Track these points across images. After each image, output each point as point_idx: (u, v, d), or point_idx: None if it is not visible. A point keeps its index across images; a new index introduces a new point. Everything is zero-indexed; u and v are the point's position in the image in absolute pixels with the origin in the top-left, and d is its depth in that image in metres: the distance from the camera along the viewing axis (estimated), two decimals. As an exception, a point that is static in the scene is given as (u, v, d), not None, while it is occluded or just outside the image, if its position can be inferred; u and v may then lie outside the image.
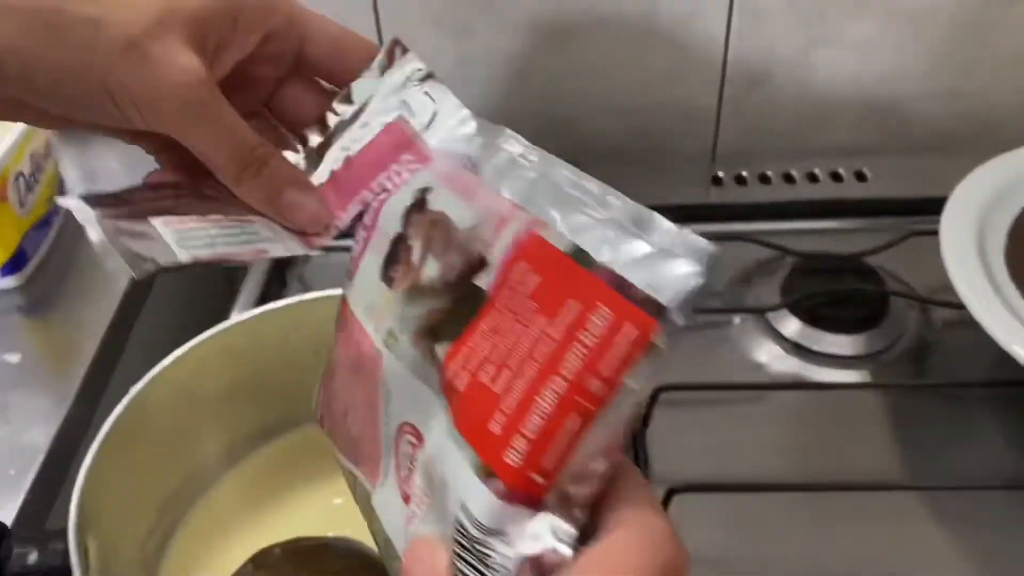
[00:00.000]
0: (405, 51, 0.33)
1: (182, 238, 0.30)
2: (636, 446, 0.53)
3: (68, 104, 0.30)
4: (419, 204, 0.29)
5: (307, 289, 0.67)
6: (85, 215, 0.29)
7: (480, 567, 0.24)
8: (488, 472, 0.24)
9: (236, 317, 0.45)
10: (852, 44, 0.72)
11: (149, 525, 0.43)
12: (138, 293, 0.64)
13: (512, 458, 0.23)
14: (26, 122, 0.32)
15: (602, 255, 0.24)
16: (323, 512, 0.44)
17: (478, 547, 0.24)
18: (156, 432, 0.42)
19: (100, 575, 0.37)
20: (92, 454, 0.38)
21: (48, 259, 0.63)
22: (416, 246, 0.28)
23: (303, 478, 0.45)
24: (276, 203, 0.31)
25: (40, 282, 0.62)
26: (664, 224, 0.25)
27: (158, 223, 0.30)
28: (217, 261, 0.30)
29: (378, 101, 0.33)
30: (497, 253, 0.26)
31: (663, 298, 0.23)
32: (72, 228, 0.66)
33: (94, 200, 0.31)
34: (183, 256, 0.29)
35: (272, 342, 0.45)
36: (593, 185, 0.27)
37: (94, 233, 0.29)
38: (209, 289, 0.79)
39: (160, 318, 0.67)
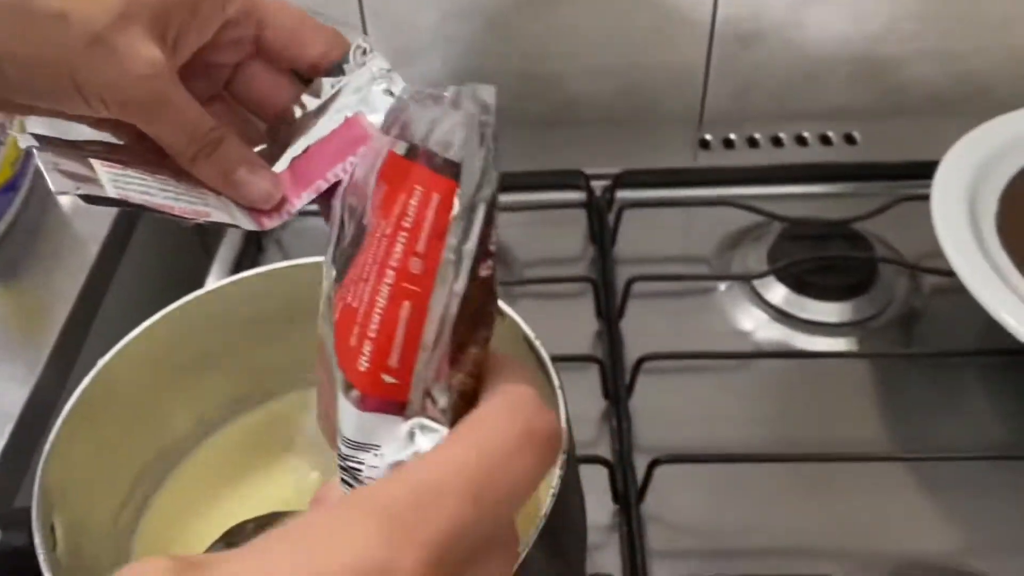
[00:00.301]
0: (370, 51, 0.35)
1: (117, 178, 0.31)
2: (619, 415, 0.53)
3: (35, 94, 0.31)
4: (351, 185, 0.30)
5: (285, 254, 0.65)
6: (28, 141, 0.31)
7: (355, 484, 0.25)
8: (348, 386, 0.24)
9: (209, 285, 0.44)
10: (843, 2, 0.70)
11: (120, 501, 0.41)
12: (110, 258, 0.62)
13: (362, 364, 0.24)
14: None
15: (418, 138, 0.25)
16: (298, 486, 0.43)
17: (351, 464, 0.25)
18: (125, 405, 0.40)
19: (69, 553, 0.36)
20: (57, 430, 0.37)
21: (15, 224, 0.61)
22: (346, 220, 0.29)
23: (278, 451, 0.44)
24: (228, 180, 0.33)
25: (8, 247, 0.60)
26: (451, 89, 0.26)
27: (97, 163, 0.31)
28: (150, 208, 0.31)
29: (343, 96, 0.34)
30: (371, 187, 0.27)
31: (456, 155, 0.23)
32: (40, 192, 0.64)
33: (46, 139, 0.32)
34: (112, 192, 0.30)
35: (246, 311, 0.44)
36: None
37: (35, 150, 0.31)
38: (184, 253, 0.77)
39: (134, 283, 0.66)
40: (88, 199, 0.30)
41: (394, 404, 0.24)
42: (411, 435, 0.24)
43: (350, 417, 0.24)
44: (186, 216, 0.31)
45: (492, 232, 0.23)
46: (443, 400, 0.24)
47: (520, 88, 0.75)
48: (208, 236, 0.78)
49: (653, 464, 0.48)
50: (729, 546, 0.48)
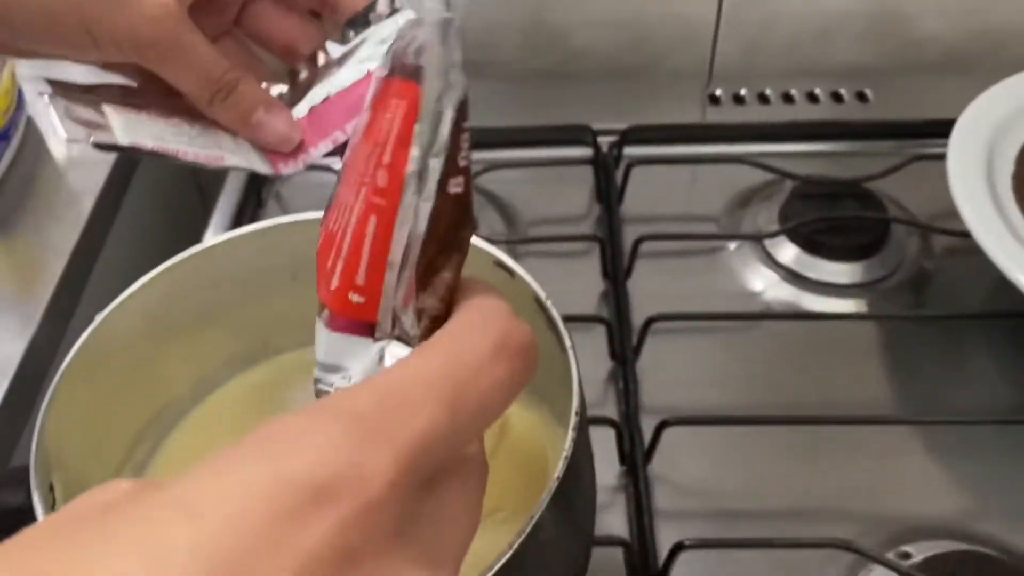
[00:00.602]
0: (398, 9, 0.34)
1: (129, 124, 0.31)
2: (626, 377, 0.52)
3: (45, 40, 0.31)
4: None
5: (285, 209, 0.64)
6: (42, 87, 0.31)
7: None
8: (321, 306, 0.24)
9: (208, 240, 0.43)
10: (860, -46, 0.69)
11: (119, 459, 0.41)
12: (106, 212, 0.61)
13: (333, 282, 0.23)
14: None
15: (398, 55, 0.23)
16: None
17: (321, 388, 0.24)
18: (123, 362, 0.40)
19: (67, 512, 0.35)
20: (54, 388, 0.36)
21: (9, 175, 0.60)
22: None
23: (279, 410, 0.43)
24: (246, 123, 0.33)
25: (1, 200, 0.59)
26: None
27: (109, 109, 0.31)
28: (162, 154, 0.31)
29: (367, 48, 0.34)
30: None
31: (424, 59, 0.22)
32: (33, 142, 0.63)
33: (59, 85, 0.32)
34: (123, 139, 0.30)
35: (246, 267, 0.43)
36: None
37: (48, 97, 0.31)
38: (182, 207, 0.76)
39: (131, 237, 0.64)
40: (100, 147, 0.30)
41: (362, 324, 0.23)
42: (380, 358, 0.23)
43: (321, 338, 0.24)
44: (200, 161, 0.31)
45: (462, 144, 0.22)
46: (411, 323, 0.23)
47: (525, 41, 0.74)
48: (206, 189, 0.76)
49: (661, 426, 0.48)
50: (735, 507, 0.47)
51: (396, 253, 0.22)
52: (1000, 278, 0.48)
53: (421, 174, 0.22)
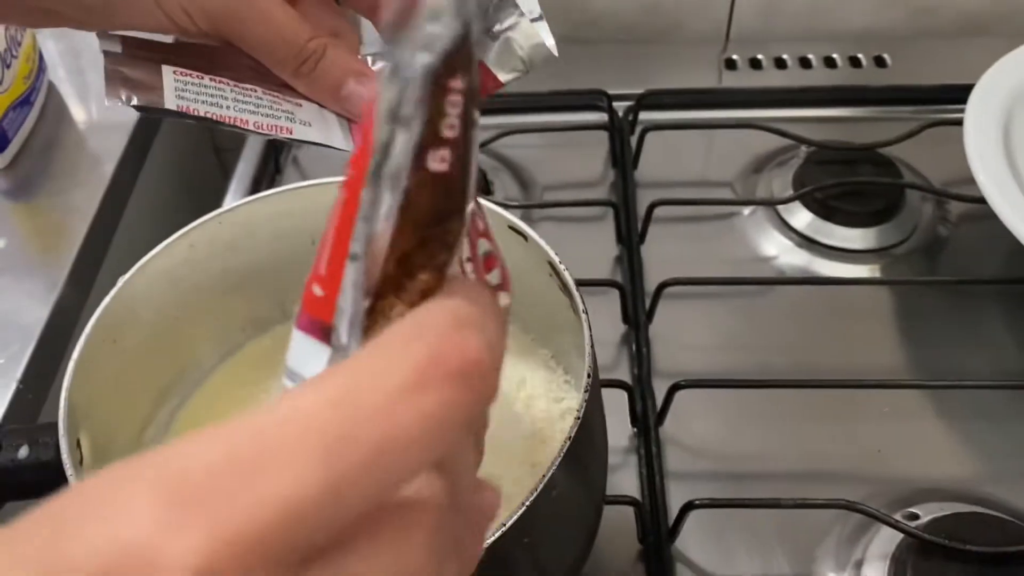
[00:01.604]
0: None
1: (185, 88, 0.28)
2: (639, 340, 0.53)
3: (115, 17, 0.29)
4: None
5: (303, 175, 0.65)
6: (110, 47, 0.29)
7: None
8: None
9: (228, 204, 0.43)
10: (880, -84, 0.68)
11: (144, 417, 0.42)
12: (127, 176, 0.62)
13: (308, 274, 0.19)
14: (51, 26, 0.31)
15: None
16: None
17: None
18: (146, 323, 0.41)
19: (95, 468, 0.36)
20: (80, 347, 0.37)
21: (31, 140, 0.61)
22: None
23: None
24: (336, 95, 0.30)
25: (23, 164, 0.60)
26: None
27: (168, 70, 0.29)
28: (216, 121, 0.28)
29: None
30: None
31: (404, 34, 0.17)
32: (55, 106, 0.63)
33: (126, 41, 0.30)
34: (171, 103, 0.28)
35: (266, 231, 0.43)
36: None
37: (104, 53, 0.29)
38: (202, 172, 0.77)
39: (152, 202, 0.65)
40: (142, 109, 0.28)
41: (319, 325, 0.19)
42: (319, 364, 0.19)
43: (292, 336, 0.19)
44: (263, 131, 0.29)
45: (448, 109, 0.17)
46: (355, 336, 0.18)
47: (542, 5, 0.73)
48: (225, 154, 0.77)
49: (673, 389, 0.48)
50: (746, 469, 0.48)
51: (357, 242, 0.17)
52: (1014, 244, 0.48)
53: (387, 144, 0.17)
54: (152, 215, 0.65)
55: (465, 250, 0.20)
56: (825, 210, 0.59)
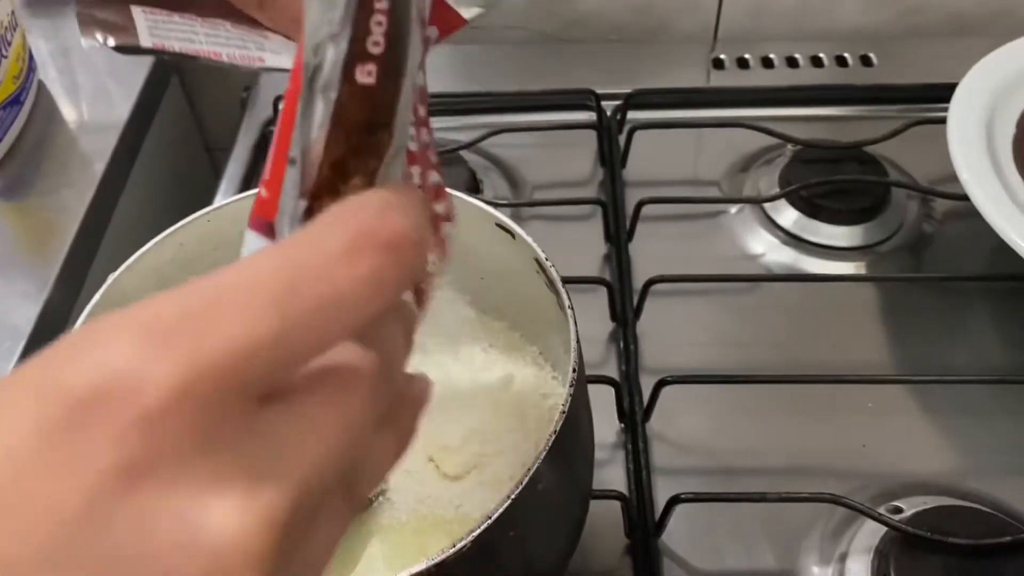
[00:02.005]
0: None
1: (157, 26, 0.29)
2: (627, 337, 0.53)
3: None
4: None
5: (292, 173, 0.65)
6: None
7: None
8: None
9: (218, 202, 0.44)
10: (866, -83, 0.68)
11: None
12: (117, 175, 0.62)
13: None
14: None
15: None
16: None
17: None
18: (137, 321, 0.41)
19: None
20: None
21: (20, 139, 0.61)
22: None
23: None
24: (300, 25, 0.30)
25: (13, 164, 0.60)
26: None
27: (138, 11, 0.29)
28: (191, 55, 0.29)
29: None
30: None
31: None
32: (45, 106, 0.63)
33: None
34: (147, 41, 0.29)
35: (255, 229, 0.44)
36: None
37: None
38: (193, 170, 0.77)
39: (142, 200, 0.65)
40: (120, 50, 0.29)
41: (265, 224, 0.20)
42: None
43: (245, 237, 0.21)
44: (235, 63, 0.30)
45: (373, 27, 0.19)
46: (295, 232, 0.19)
47: (530, 5, 0.74)
48: (216, 151, 0.77)
49: (659, 384, 0.49)
50: (732, 464, 0.49)
51: (295, 147, 0.19)
52: (998, 241, 0.49)
53: (319, 59, 0.19)
54: (142, 215, 0.65)
55: (417, 179, 0.22)
56: (811, 208, 0.59)
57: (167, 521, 0.16)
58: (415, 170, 0.23)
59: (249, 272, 0.17)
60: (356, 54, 0.19)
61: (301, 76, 0.19)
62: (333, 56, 0.19)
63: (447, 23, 0.28)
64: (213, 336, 0.16)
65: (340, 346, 0.18)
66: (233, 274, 0.17)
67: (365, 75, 0.19)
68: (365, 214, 0.18)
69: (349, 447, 0.18)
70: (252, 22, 0.31)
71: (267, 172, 0.20)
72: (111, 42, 0.28)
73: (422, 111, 0.22)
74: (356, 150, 0.19)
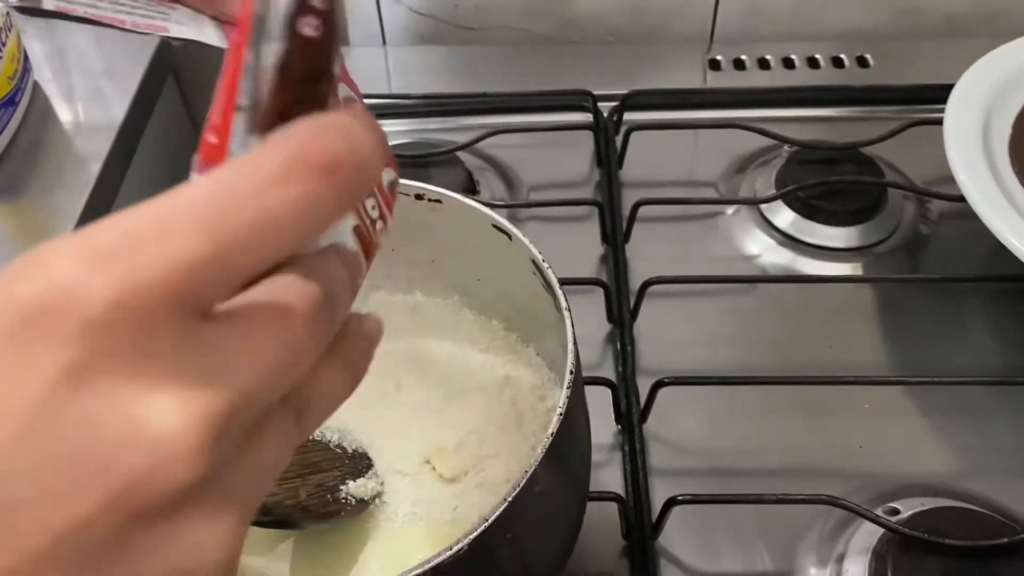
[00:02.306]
0: None
1: None
2: (623, 339, 0.53)
3: None
4: None
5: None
6: None
7: None
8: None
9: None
10: (862, -82, 0.68)
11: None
12: (113, 176, 0.62)
13: (204, 125, 0.22)
14: None
15: None
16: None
17: None
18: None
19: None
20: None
21: (16, 140, 0.60)
22: None
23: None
24: (211, 1, 0.31)
25: (8, 165, 0.60)
26: None
27: None
28: (94, 21, 0.30)
29: None
30: None
31: None
32: (40, 106, 0.63)
33: None
34: (49, 3, 0.29)
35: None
36: None
37: None
38: (187, 172, 0.77)
39: (138, 200, 0.65)
40: (22, 11, 0.29)
41: (212, 167, 0.21)
42: None
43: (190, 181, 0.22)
44: (139, 30, 0.30)
45: None
46: None
47: (525, 5, 0.74)
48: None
49: (656, 385, 0.49)
50: (729, 466, 0.49)
51: (243, 95, 0.21)
52: (995, 242, 0.49)
53: (265, 12, 0.20)
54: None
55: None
56: (808, 209, 0.59)
57: (111, 417, 0.17)
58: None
59: (184, 197, 0.18)
60: (300, 7, 0.20)
61: (250, 26, 0.20)
62: (278, 9, 0.20)
63: None
64: (148, 255, 0.17)
65: (281, 275, 0.19)
66: (170, 199, 0.18)
67: (309, 28, 0.20)
68: (301, 139, 0.18)
69: (289, 365, 0.19)
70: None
71: (215, 117, 0.21)
72: (13, 1, 0.29)
73: (336, 69, 0.23)
74: (300, 98, 0.21)
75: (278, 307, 0.19)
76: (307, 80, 0.21)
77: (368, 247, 0.25)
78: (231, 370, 0.18)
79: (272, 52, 0.20)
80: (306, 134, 0.19)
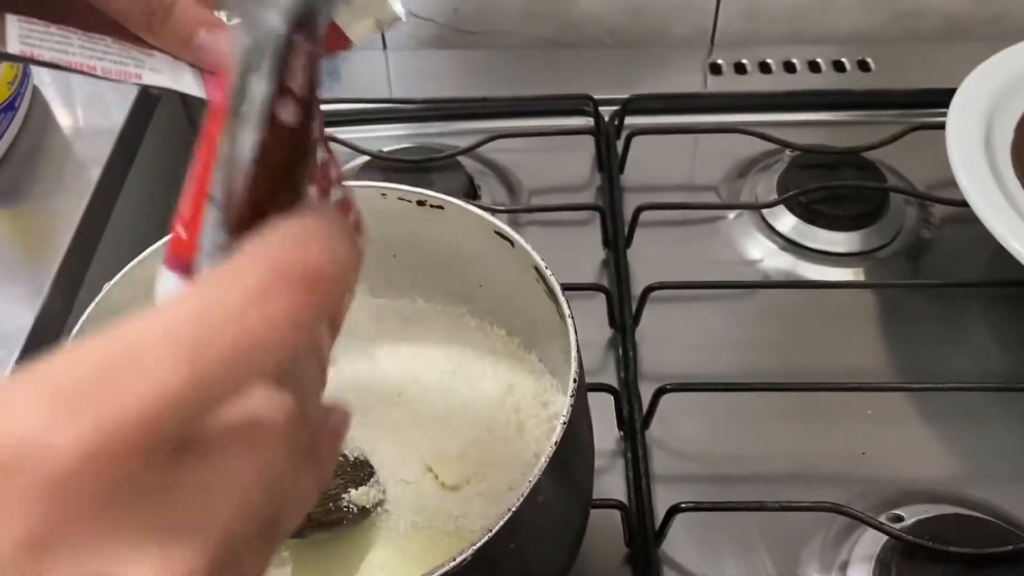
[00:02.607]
0: None
1: (29, 35, 0.29)
2: (625, 344, 0.53)
3: None
4: None
5: (288, 179, 0.65)
6: None
7: None
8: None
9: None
10: (863, -78, 0.68)
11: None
12: (113, 181, 0.62)
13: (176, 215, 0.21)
14: None
15: None
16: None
17: None
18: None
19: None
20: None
21: (15, 145, 0.60)
22: None
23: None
24: (187, 46, 0.30)
25: (8, 169, 0.59)
26: None
27: (13, 19, 0.29)
28: (64, 67, 0.29)
29: None
30: None
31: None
32: (40, 111, 0.63)
33: None
34: (14, 48, 0.28)
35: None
36: None
37: None
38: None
39: (138, 206, 0.65)
40: None
41: (183, 262, 0.20)
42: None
43: (160, 274, 0.21)
44: (110, 77, 0.29)
45: (295, 66, 0.18)
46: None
47: (527, 8, 0.74)
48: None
49: (659, 392, 0.48)
50: (731, 472, 0.48)
51: (215, 187, 0.19)
52: (997, 247, 0.49)
53: (241, 96, 0.18)
54: (138, 220, 0.65)
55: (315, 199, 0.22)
56: (809, 214, 0.59)
57: None
58: (312, 191, 0.22)
59: (160, 322, 0.16)
60: (280, 95, 0.18)
61: (225, 115, 0.19)
62: (256, 96, 0.18)
63: (335, 43, 0.28)
64: (122, 395, 0.16)
65: (255, 388, 0.18)
66: (146, 324, 0.16)
67: (289, 115, 0.19)
68: (281, 249, 0.17)
69: (268, 493, 0.18)
70: (137, 39, 0.31)
71: (184, 210, 0.20)
72: None
73: (316, 131, 0.21)
74: (276, 187, 0.19)
75: (253, 428, 0.18)
76: (285, 169, 0.19)
77: (336, 319, 0.23)
78: (209, 515, 0.17)
79: (247, 141, 0.19)
80: (284, 244, 0.17)
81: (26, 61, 0.29)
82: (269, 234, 0.18)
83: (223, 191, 0.19)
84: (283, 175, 0.19)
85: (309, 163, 0.20)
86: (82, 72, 0.29)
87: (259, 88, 0.18)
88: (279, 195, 0.19)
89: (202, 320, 0.16)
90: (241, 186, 0.19)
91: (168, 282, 0.21)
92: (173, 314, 0.17)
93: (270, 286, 0.17)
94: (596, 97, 0.66)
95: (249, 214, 0.19)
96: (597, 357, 0.53)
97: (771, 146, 0.63)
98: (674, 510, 0.44)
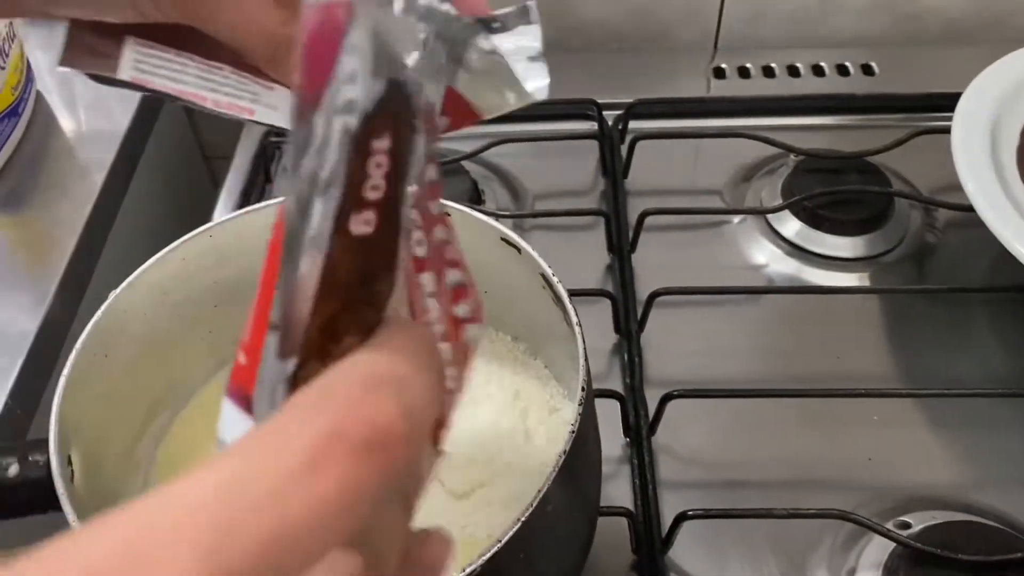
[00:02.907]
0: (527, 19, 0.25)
1: (144, 60, 0.28)
2: (631, 350, 0.53)
3: (73, 3, 0.27)
4: None
5: (292, 184, 0.64)
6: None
7: None
8: None
9: (219, 214, 0.43)
10: (867, -74, 0.68)
11: (136, 431, 0.42)
12: (117, 187, 0.61)
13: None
14: (10, 16, 0.29)
15: None
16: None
17: None
18: (138, 337, 0.40)
19: (86, 483, 0.36)
20: (72, 362, 0.36)
21: (19, 151, 0.60)
22: None
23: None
24: None
25: (11, 175, 0.59)
26: None
27: (132, 42, 0.28)
28: (174, 96, 0.28)
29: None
30: None
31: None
32: (43, 117, 0.63)
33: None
34: (126, 74, 0.27)
35: (257, 243, 0.43)
36: None
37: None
38: (191, 182, 0.77)
39: (142, 211, 0.65)
40: (94, 78, 0.27)
41: (242, 395, 0.18)
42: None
43: (222, 406, 0.19)
44: (221, 110, 0.28)
45: (370, 171, 0.16)
46: (275, 408, 0.17)
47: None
48: (215, 164, 0.77)
49: (665, 398, 0.48)
50: (738, 478, 0.48)
51: (276, 310, 0.16)
52: (1003, 252, 0.49)
53: (303, 212, 0.16)
54: (142, 225, 0.65)
55: (430, 285, 0.19)
56: (814, 218, 0.59)
57: None
58: (427, 278, 0.19)
59: (183, 503, 0.14)
60: (351, 203, 0.16)
61: (284, 227, 0.16)
62: (322, 208, 0.15)
63: (461, 115, 0.24)
64: None
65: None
66: (166, 503, 0.14)
67: (362, 224, 0.16)
68: (338, 405, 0.15)
69: None
70: (257, 71, 0.29)
71: (246, 333, 0.18)
72: (88, 69, 0.27)
73: (434, 208, 0.19)
74: (350, 306, 0.17)
75: None
76: (359, 285, 0.17)
77: (438, 434, 0.20)
78: None
79: (314, 259, 0.16)
80: (348, 393, 0.15)
81: (133, 88, 0.27)
82: (330, 378, 0.15)
83: (283, 317, 0.16)
84: (358, 290, 0.17)
85: (393, 272, 0.17)
86: (190, 103, 0.28)
87: (323, 199, 0.16)
88: (353, 314, 0.17)
89: (232, 501, 0.14)
90: (305, 308, 0.16)
91: (228, 414, 0.18)
92: (201, 489, 0.14)
93: (323, 455, 0.14)
94: (600, 101, 0.66)
95: (317, 339, 0.16)
96: (603, 363, 0.53)
97: (775, 150, 0.62)
98: (681, 517, 0.44)
